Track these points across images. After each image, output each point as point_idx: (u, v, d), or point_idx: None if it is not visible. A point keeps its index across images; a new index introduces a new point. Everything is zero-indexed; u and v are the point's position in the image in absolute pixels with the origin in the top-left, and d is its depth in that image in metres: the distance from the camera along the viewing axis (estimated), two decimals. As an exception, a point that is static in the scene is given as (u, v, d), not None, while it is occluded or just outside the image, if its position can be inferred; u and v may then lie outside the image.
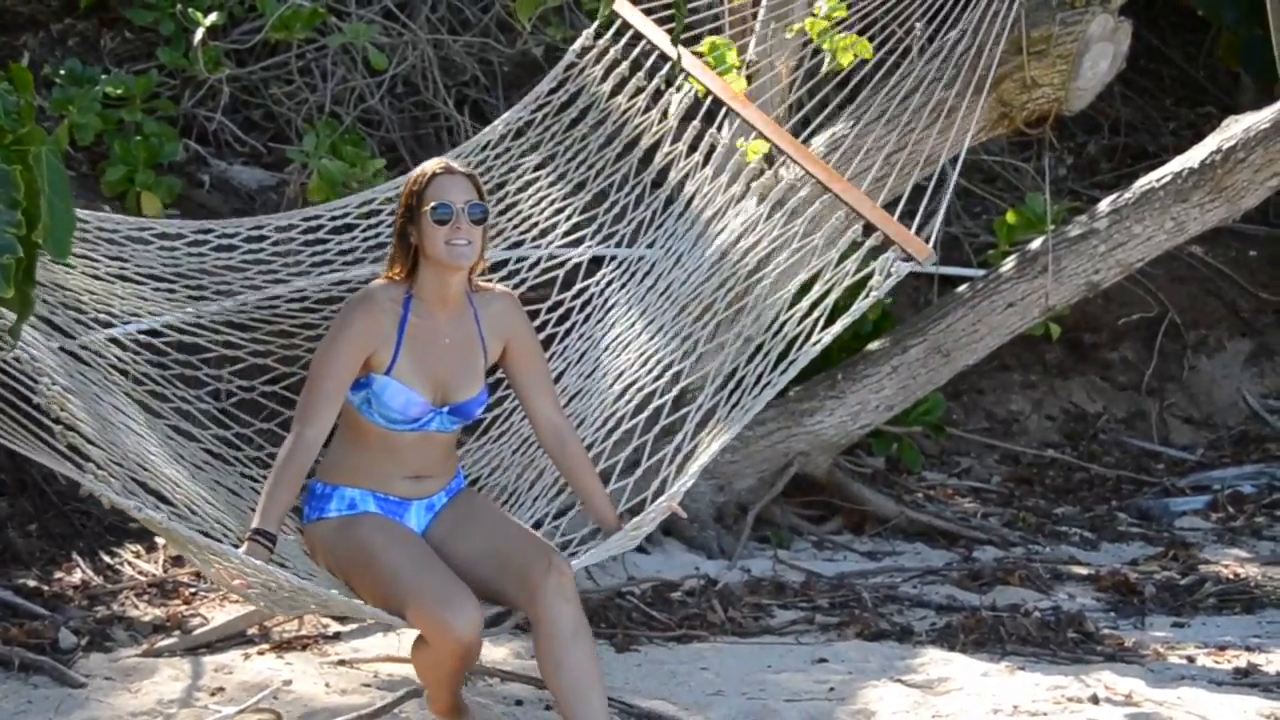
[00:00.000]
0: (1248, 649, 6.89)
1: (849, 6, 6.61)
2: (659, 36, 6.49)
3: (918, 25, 6.74)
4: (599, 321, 6.28)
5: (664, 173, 6.44)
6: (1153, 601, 7.55)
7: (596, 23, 6.56)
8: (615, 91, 6.49)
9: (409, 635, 6.70)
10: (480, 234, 5.50)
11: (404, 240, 5.52)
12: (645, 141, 6.45)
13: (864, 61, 6.55)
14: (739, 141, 6.36)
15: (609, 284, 6.37)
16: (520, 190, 6.53)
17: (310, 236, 6.47)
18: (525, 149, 6.57)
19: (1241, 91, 11.27)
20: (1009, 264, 8.18)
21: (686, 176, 6.37)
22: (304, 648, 6.63)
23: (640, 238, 6.37)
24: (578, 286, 6.40)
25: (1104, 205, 8.14)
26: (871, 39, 6.63)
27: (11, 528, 7.16)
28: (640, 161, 6.45)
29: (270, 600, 5.31)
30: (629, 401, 5.99)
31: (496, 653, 6.58)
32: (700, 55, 6.49)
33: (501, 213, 6.46)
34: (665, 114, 6.43)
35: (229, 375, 6.39)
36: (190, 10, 8.51)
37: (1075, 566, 8.00)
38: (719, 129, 6.38)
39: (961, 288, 8.26)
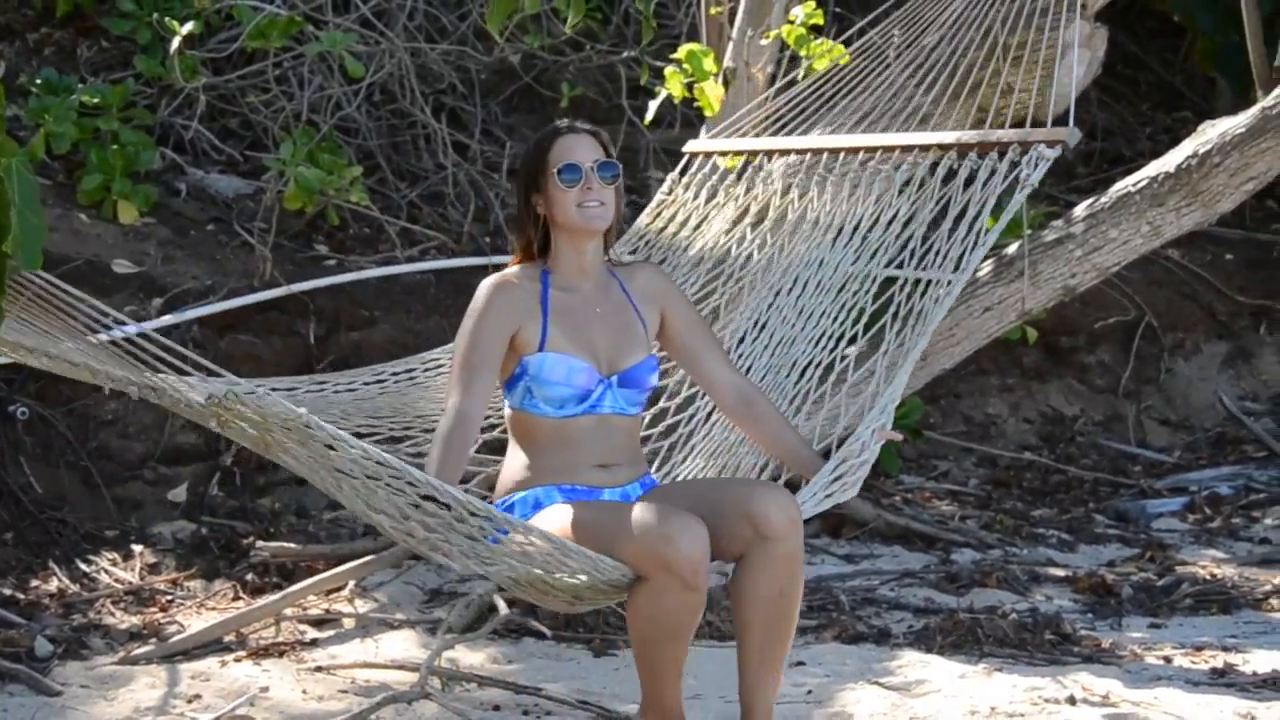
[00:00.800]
0: (1224, 649, 6.90)
1: (826, 12, 6.61)
2: (744, 143, 6.40)
3: (895, 32, 6.76)
4: (755, 339, 6.04)
5: (779, 221, 6.25)
6: (1130, 603, 7.57)
7: (680, 167, 6.41)
8: (711, 197, 6.35)
9: (387, 641, 6.72)
10: (613, 194, 5.10)
11: (531, 212, 5.12)
12: (754, 208, 6.30)
13: (841, 68, 6.56)
14: (719, 159, 6.31)
15: (755, 309, 6.15)
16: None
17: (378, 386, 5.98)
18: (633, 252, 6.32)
19: (1217, 96, 11.31)
20: (986, 268, 8.19)
21: (806, 209, 6.22)
22: (281, 654, 6.63)
23: (773, 267, 6.16)
24: (722, 320, 6.14)
25: (1080, 210, 8.15)
26: (848, 44, 6.65)
27: (-13, 536, 7.17)
28: (754, 222, 6.27)
29: (516, 582, 4.77)
30: (809, 379, 5.81)
31: (473, 657, 6.59)
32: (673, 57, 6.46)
33: None
34: (768, 179, 6.32)
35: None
36: (167, 19, 8.51)
37: (1052, 568, 8.01)
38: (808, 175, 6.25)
39: (938, 292, 8.25)
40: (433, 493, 4.64)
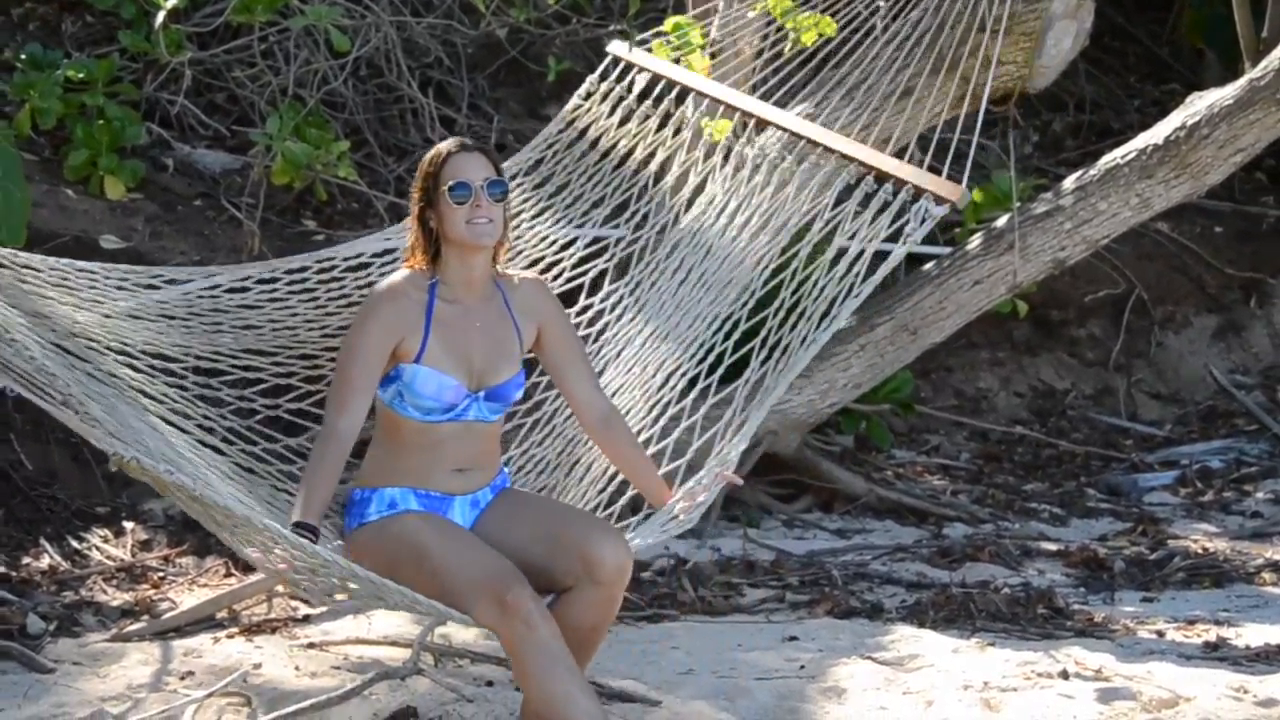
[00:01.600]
0: (1217, 623, 6.91)
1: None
2: (662, 66, 6.45)
3: (881, 3, 6.74)
4: (633, 319, 6.19)
5: (683, 177, 6.36)
6: (1122, 577, 7.57)
7: (600, 69, 6.52)
8: (624, 121, 6.43)
9: (379, 617, 6.71)
10: (501, 212, 5.32)
11: (424, 226, 5.34)
12: (660, 155, 6.38)
13: (828, 40, 6.53)
14: (703, 122, 6.34)
15: (638, 285, 6.27)
16: (537, 215, 6.40)
17: (324, 276, 6.26)
18: (538, 182, 6.45)
19: (1206, 68, 11.30)
20: (975, 242, 8.18)
21: (707, 178, 6.31)
22: (273, 631, 6.61)
23: (665, 239, 6.30)
24: (605, 290, 6.28)
25: (1069, 182, 8.15)
26: (835, 16, 6.63)
27: (-23, 514, 7.14)
28: (657, 173, 6.38)
29: (314, 586, 5.10)
30: (673, 388, 5.94)
31: (466, 634, 6.57)
32: (681, 57, 6.50)
33: (519, 237, 6.31)
34: (678, 130, 6.37)
35: (252, 395, 6.19)
36: (152, -7, 8.47)
37: (1044, 542, 8.01)
38: (738, 135, 6.31)
39: (928, 265, 8.26)
40: (286, 546, 4.96)
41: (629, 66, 6.49)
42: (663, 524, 5.42)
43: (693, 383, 5.91)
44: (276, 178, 8.44)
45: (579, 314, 6.21)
